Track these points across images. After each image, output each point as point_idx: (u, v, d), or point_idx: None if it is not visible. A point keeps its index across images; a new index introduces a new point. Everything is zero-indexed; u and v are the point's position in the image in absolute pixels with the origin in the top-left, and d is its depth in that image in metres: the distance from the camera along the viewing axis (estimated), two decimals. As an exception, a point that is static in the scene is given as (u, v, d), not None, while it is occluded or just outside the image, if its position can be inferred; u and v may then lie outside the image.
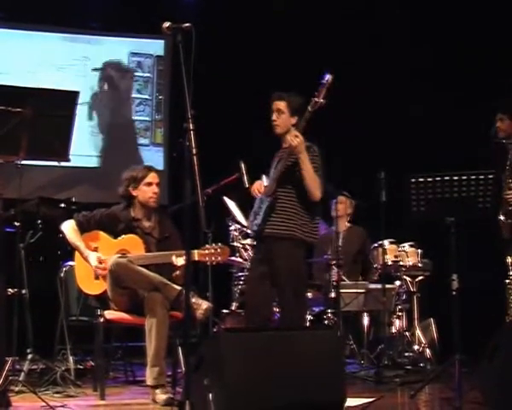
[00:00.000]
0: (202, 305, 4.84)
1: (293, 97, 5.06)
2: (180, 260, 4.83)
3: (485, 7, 7.23)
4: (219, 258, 4.86)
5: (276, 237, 4.99)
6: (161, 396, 4.61)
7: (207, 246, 4.81)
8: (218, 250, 4.85)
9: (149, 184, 5.14)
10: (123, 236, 5.10)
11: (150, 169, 5.26)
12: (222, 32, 7.91)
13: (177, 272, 4.94)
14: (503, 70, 7.03)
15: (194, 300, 4.81)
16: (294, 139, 4.85)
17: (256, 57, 7.78)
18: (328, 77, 4.89)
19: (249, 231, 5.22)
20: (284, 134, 5.06)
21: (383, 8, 7.83)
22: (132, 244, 5.05)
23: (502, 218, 5.23)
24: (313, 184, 4.93)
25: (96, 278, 5.03)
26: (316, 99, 4.86)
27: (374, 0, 7.87)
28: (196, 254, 4.79)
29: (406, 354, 6.38)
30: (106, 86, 8.45)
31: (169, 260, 4.89)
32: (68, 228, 5.13)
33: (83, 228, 5.13)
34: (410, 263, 6.54)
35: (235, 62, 7.86)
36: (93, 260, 5.02)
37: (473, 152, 6.18)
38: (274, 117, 5.07)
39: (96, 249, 5.08)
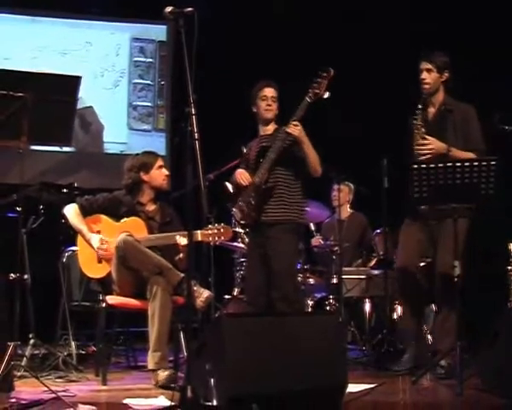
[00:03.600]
0: (203, 294, 4.84)
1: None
2: (184, 240, 4.85)
3: (485, 6, 7.21)
4: (222, 237, 4.89)
5: (272, 222, 5.16)
6: (163, 373, 4.62)
7: (210, 226, 4.85)
8: (221, 230, 4.88)
9: (160, 167, 5.25)
10: (125, 219, 5.11)
11: (156, 154, 5.38)
12: (225, 19, 7.89)
13: (180, 256, 4.97)
14: (503, 63, 7.03)
15: (195, 288, 4.82)
16: (295, 129, 5.06)
17: (259, 44, 7.76)
18: (330, 71, 5.07)
19: (242, 222, 5.29)
20: (271, 121, 5.36)
21: (383, 8, 7.79)
22: (135, 227, 5.06)
23: None
24: (317, 162, 5.18)
25: (99, 261, 5.04)
26: (316, 91, 5.06)
27: (373, 0, 7.85)
28: (199, 235, 4.82)
29: (408, 340, 6.37)
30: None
31: (173, 241, 4.92)
32: (71, 212, 5.14)
33: (85, 212, 5.14)
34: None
35: (238, 47, 7.84)
36: (95, 241, 5.02)
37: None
38: (269, 102, 5.32)
39: (98, 232, 5.09)
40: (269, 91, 5.33)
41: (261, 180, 5.14)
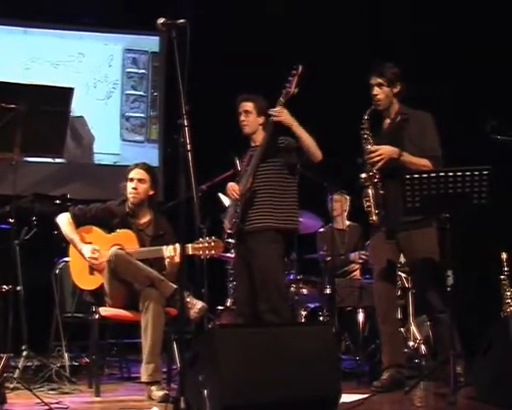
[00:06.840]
0: (197, 305, 4.84)
1: (258, 99, 5.32)
2: (170, 251, 4.83)
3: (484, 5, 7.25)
4: (213, 251, 4.86)
5: (251, 230, 5.15)
6: (157, 393, 4.61)
7: (201, 240, 4.81)
8: (212, 244, 4.85)
9: (131, 179, 5.15)
10: (117, 230, 5.10)
11: (137, 165, 5.24)
12: (217, 27, 7.90)
13: (168, 269, 4.93)
14: (497, 67, 7.05)
15: (188, 299, 4.81)
16: (278, 113, 5.04)
17: (252, 54, 7.77)
18: (298, 67, 5.05)
19: (229, 231, 5.27)
20: (252, 134, 5.32)
21: (383, 9, 7.82)
22: (126, 239, 5.04)
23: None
24: (312, 145, 5.10)
25: (91, 273, 5.02)
26: (288, 89, 5.05)
27: (373, 2, 7.88)
28: (190, 248, 4.79)
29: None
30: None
31: (162, 254, 4.89)
32: (63, 221, 5.12)
33: (78, 221, 5.12)
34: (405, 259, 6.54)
35: (231, 58, 7.85)
36: (87, 251, 5.00)
37: (469, 148, 6.19)
38: (242, 118, 5.30)
39: (89, 244, 5.07)
40: (240, 106, 5.31)
41: (245, 187, 5.14)
